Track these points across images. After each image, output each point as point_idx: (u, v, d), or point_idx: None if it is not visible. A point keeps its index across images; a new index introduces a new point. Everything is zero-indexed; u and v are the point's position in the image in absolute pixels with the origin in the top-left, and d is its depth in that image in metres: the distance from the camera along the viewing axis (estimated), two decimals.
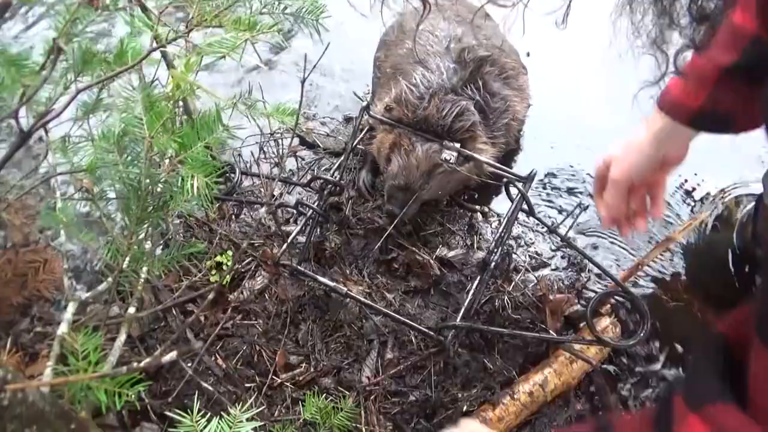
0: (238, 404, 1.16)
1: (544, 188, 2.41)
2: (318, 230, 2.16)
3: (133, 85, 1.45)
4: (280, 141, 2.50)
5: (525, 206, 1.90)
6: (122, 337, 1.34)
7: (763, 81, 1.12)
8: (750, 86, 1.23)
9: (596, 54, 2.26)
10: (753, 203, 2.09)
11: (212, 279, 2.08)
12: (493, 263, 1.88)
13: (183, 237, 2.19)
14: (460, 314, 1.81)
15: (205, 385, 1.72)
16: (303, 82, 1.47)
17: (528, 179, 1.91)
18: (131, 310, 1.41)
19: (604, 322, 1.93)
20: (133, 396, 1.05)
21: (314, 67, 1.44)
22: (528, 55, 2.53)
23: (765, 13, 1.03)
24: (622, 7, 0.96)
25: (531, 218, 2.28)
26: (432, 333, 1.81)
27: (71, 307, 1.28)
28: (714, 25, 0.93)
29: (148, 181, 1.23)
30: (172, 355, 0.76)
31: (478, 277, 1.89)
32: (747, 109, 1.29)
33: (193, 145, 1.20)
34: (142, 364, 0.77)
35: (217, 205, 2.26)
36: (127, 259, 1.31)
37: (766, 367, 0.72)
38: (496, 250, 1.90)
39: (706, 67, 1.29)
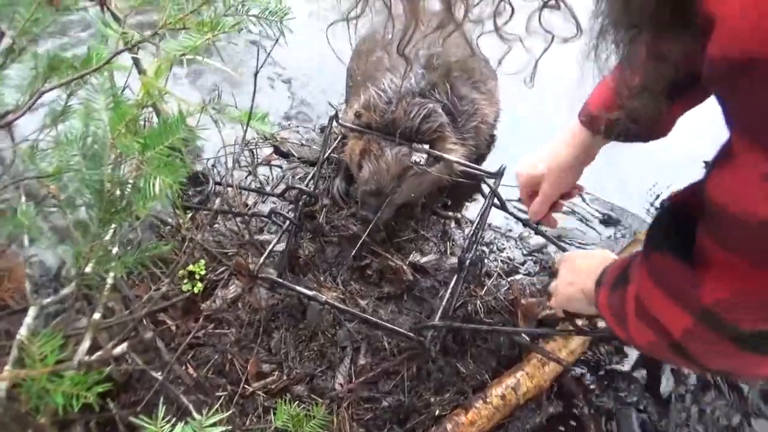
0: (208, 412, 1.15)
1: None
2: (292, 238, 2.16)
3: (99, 89, 1.45)
4: (254, 150, 2.51)
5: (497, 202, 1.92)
6: (86, 344, 1.32)
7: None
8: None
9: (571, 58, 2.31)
10: None
11: (184, 288, 2.07)
12: (468, 260, 1.89)
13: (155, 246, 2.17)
14: (439, 313, 1.80)
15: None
16: (255, 74, 1.48)
17: (498, 175, 1.94)
18: (96, 315, 1.39)
19: (578, 321, 1.94)
20: (92, 398, 1.04)
21: (266, 59, 1.45)
22: (499, 63, 2.57)
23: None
24: (588, 53, 1.02)
25: (502, 225, 2.32)
26: (411, 335, 1.81)
27: (32, 311, 1.26)
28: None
29: (110, 183, 1.22)
30: (123, 346, 0.75)
31: (455, 276, 1.90)
32: (660, 120, 1.41)
33: (156, 145, 1.20)
34: (94, 357, 0.76)
35: (190, 214, 2.25)
36: (92, 262, 1.30)
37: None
38: (471, 247, 1.92)
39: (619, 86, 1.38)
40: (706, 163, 1.90)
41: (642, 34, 0.91)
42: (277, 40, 1.24)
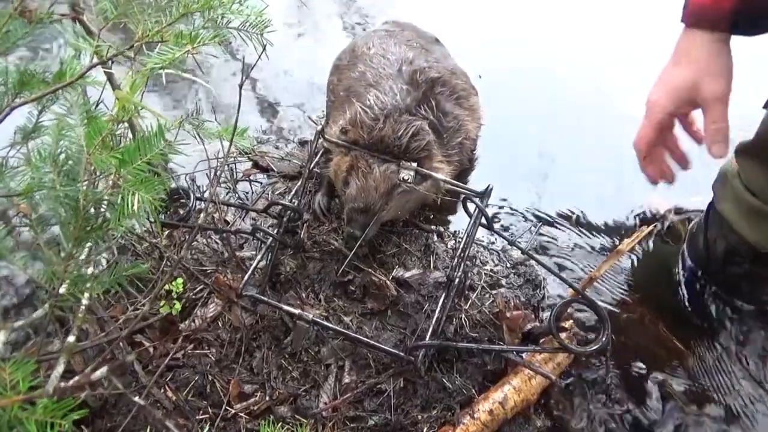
0: None
1: (501, 207, 2.45)
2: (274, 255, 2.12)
3: (73, 104, 1.40)
4: (233, 165, 2.47)
5: (484, 221, 1.91)
6: (60, 369, 1.26)
7: None
8: None
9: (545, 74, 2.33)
10: (701, 216, 2.17)
11: (162, 309, 2.01)
12: (457, 279, 1.88)
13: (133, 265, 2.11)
14: (429, 333, 1.79)
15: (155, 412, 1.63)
16: (240, 86, 1.45)
17: (485, 194, 1.93)
18: (71, 338, 1.33)
19: (561, 335, 1.93)
20: (66, 426, 0.98)
21: (251, 69, 1.42)
22: (480, 77, 2.60)
23: None
24: None
25: (484, 238, 2.31)
26: (402, 355, 1.77)
27: (2, 336, 1.21)
28: None
29: (86, 200, 1.17)
30: (102, 370, 0.71)
31: (443, 295, 1.88)
32: None
33: (134, 161, 1.16)
34: (70, 383, 0.71)
35: (167, 232, 2.19)
36: (66, 283, 1.25)
37: None
38: (458, 265, 1.91)
39: None
40: None
41: None
42: (260, 55, 1.21)
